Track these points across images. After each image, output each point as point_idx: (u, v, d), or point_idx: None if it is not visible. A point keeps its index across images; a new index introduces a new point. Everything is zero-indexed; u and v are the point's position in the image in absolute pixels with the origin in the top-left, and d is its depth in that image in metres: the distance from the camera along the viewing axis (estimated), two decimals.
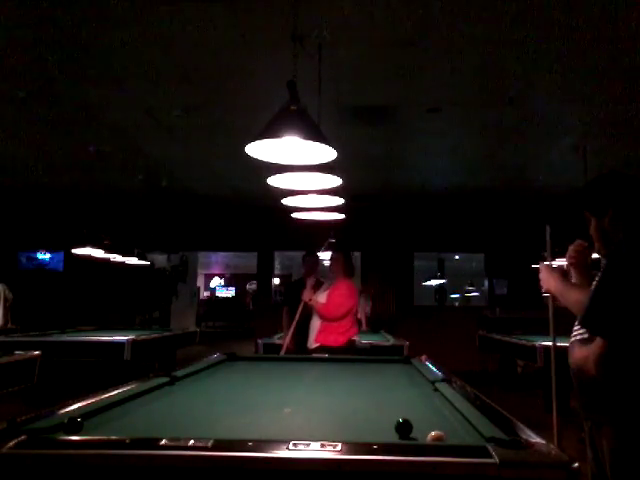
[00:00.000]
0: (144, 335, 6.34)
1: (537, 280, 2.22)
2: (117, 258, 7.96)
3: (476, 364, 8.21)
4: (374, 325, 8.92)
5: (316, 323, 4.58)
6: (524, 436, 1.44)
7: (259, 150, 2.71)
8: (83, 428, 1.52)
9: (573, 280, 2.15)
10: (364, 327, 8.81)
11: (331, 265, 4.69)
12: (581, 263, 2.12)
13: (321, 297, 4.60)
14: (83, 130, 5.79)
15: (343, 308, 4.47)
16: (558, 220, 2.22)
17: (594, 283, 1.88)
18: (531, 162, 6.88)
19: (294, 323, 4.74)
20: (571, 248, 2.14)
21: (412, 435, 1.50)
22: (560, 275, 2.12)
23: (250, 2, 3.39)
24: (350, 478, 1.23)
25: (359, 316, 9.20)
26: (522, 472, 1.21)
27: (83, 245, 7.02)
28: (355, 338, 4.64)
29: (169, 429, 1.67)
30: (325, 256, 7.43)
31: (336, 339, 4.46)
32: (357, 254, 10.42)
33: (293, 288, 5.59)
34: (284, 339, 5.17)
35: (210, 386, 2.61)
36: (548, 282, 2.11)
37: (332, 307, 4.49)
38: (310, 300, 4.58)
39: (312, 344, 4.54)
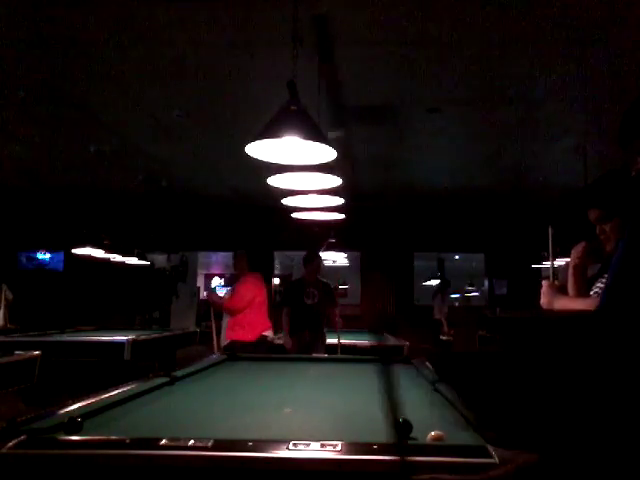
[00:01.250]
0: (144, 335, 6.34)
1: (537, 282, 2.20)
2: (117, 258, 7.95)
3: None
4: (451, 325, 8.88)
5: (225, 321, 4.83)
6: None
7: (259, 150, 2.71)
8: (83, 428, 1.52)
9: (570, 284, 2.13)
10: (445, 329, 8.79)
11: (235, 263, 4.88)
12: (585, 266, 2.10)
13: (226, 294, 5.01)
14: (83, 130, 5.78)
15: (245, 298, 4.66)
16: (560, 221, 2.19)
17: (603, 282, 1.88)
18: (531, 162, 6.88)
19: (213, 327, 5.06)
20: (577, 249, 2.11)
21: (412, 435, 1.50)
22: (560, 291, 2.10)
23: (250, 2, 3.39)
24: (350, 478, 1.23)
25: (438, 317, 9.16)
26: (522, 472, 1.21)
27: (83, 245, 7.01)
28: (267, 334, 4.78)
29: (169, 429, 1.67)
30: (325, 256, 7.40)
31: (245, 334, 4.62)
32: (357, 254, 10.42)
33: (293, 288, 5.59)
34: (287, 341, 5.18)
35: (210, 386, 2.61)
36: (550, 302, 2.09)
37: (234, 299, 4.71)
38: (215, 301, 4.92)
39: (224, 341, 4.72)
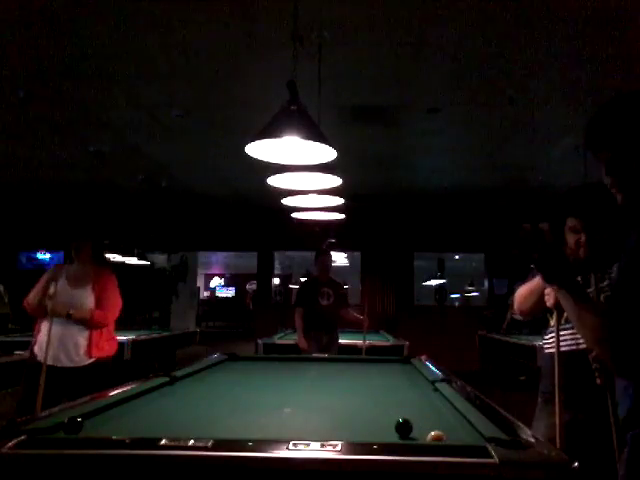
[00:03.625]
0: (144, 335, 6.35)
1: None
2: (117, 258, 7.95)
3: (476, 364, 8.21)
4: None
5: (78, 334, 3.52)
6: (524, 436, 1.44)
7: (259, 150, 2.71)
8: (83, 428, 1.52)
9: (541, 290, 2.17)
10: None
11: (79, 253, 3.69)
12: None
13: (85, 299, 3.58)
14: (83, 130, 5.78)
15: (119, 306, 3.72)
16: (557, 222, 2.24)
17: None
18: (531, 162, 6.88)
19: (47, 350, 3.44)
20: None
21: (412, 435, 1.50)
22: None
23: (250, 2, 3.39)
24: (350, 478, 1.22)
25: None
26: (522, 472, 1.21)
27: None
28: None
29: (169, 429, 1.67)
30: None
31: (110, 348, 3.72)
32: (357, 254, 10.43)
33: (307, 288, 5.39)
34: (300, 342, 5.02)
35: (210, 386, 2.61)
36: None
37: (111, 308, 3.65)
38: (71, 314, 3.47)
39: (82, 359, 3.51)
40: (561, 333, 2.13)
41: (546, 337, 2.31)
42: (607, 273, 2.08)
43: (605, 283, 2.07)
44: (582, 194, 2.14)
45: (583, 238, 2.06)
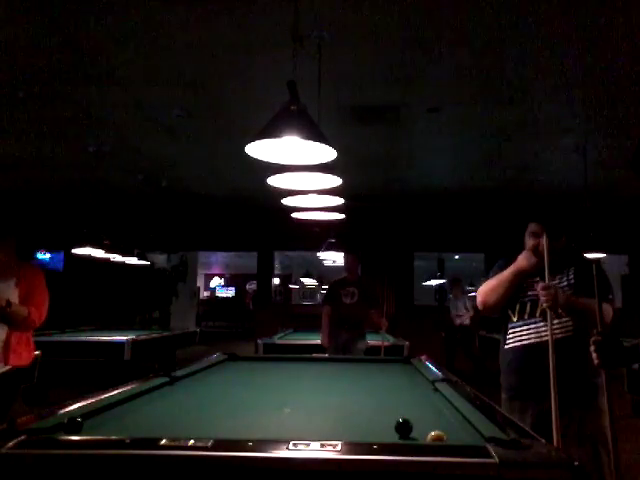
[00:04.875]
0: (144, 335, 6.36)
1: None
2: (117, 258, 7.96)
3: (475, 364, 8.21)
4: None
5: None
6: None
7: (259, 150, 2.71)
8: (83, 428, 1.53)
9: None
10: None
11: (1, 248, 3.31)
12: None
13: (8, 293, 3.11)
14: (83, 130, 5.78)
15: (47, 305, 3.31)
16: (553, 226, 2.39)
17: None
18: (531, 162, 6.87)
19: None
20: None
21: (412, 435, 1.50)
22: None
23: (250, 2, 3.39)
24: (350, 478, 1.23)
25: None
26: (522, 472, 1.21)
27: (83, 245, 7.02)
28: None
29: (169, 429, 1.67)
30: (325, 256, 7.36)
31: (29, 356, 3.27)
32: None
33: (334, 287, 5.49)
34: (323, 339, 5.14)
35: (210, 386, 2.61)
36: (556, 297, 2.18)
37: (41, 307, 3.23)
38: (7, 307, 2.99)
39: None
40: (524, 327, 2.29)
41: (509, 332, 2.38)
42: (565, 274, 2.32)
43: (564, 284, 2.30)
44: (544, 204, 2.39)
45: (542, 242, 2.28)
